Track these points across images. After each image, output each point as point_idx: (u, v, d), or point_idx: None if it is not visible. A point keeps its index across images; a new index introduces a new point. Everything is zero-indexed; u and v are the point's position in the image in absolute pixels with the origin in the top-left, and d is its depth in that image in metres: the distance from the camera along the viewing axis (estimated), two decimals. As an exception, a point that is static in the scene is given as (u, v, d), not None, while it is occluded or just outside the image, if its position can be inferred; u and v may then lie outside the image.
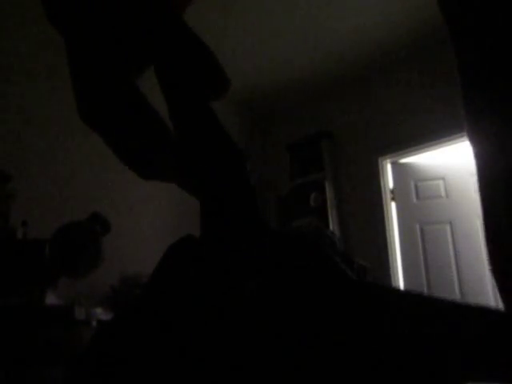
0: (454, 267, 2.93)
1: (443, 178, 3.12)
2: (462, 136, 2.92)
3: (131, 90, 0.81)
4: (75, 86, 0.78)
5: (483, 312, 0.48)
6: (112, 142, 0.81)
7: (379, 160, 3.27)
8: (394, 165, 3.28)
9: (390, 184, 3.26)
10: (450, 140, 2.98)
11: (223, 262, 0.60)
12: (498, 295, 0.49)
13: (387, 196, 3.22)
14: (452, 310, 0.48)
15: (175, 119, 0.77)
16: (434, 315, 0.48)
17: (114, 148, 0.81)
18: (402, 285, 3.03)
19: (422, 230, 3.10)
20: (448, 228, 3.03)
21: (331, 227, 3.25)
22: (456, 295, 2.87)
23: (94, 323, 1.66)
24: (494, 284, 0.48)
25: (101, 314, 1.75)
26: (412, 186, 3.19)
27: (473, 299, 2.80)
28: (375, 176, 3.26)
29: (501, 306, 0.49)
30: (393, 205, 3.22)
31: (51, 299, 1.62)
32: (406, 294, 0.58)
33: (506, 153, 0.47)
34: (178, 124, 0.76)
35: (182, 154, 0.77)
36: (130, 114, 0.79)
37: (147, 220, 2.84)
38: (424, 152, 3.15)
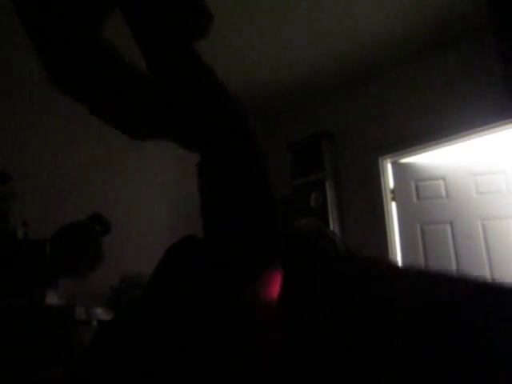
0: (454, 267, 2.92)
1: (443, 178, 3.11)
2: (462, 136, 2.92)
3: (97, 42, 0.68)
4: (37, 49, 0.67)
5: None
6: (92, 105, 0.71)
7: (379, 160, 3.27)
8: (395, 165, 3.28)
9: (391, 184, 3.25)
10: (450, 140, 2.98)
11: (223, 262, 0.60)
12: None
13: (387, 196, 3.22)
14: None
15: (154, 69, 0.65)
16: None
17: (97, 111, 0.71)
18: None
19: (422, 230, 3.10)
20: (448, 228, 3.03)
21: (331, 227, 3.25)
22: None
23: (95, 323, 1.66)
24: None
25: (101, 314, 1.75)
26: (412, 185, 3.19)
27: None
28: (375, 176, 3.26)
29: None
30: (393, 205, 3.22)
31: (51, 299, 1.62)
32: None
33: None
34: (158, 74, 0.65)
35: (169, 106, 0.66)
36: (101, 69, 0.67)
37: (147, 220, 2.83)
38: (424, 152, 3.15)
